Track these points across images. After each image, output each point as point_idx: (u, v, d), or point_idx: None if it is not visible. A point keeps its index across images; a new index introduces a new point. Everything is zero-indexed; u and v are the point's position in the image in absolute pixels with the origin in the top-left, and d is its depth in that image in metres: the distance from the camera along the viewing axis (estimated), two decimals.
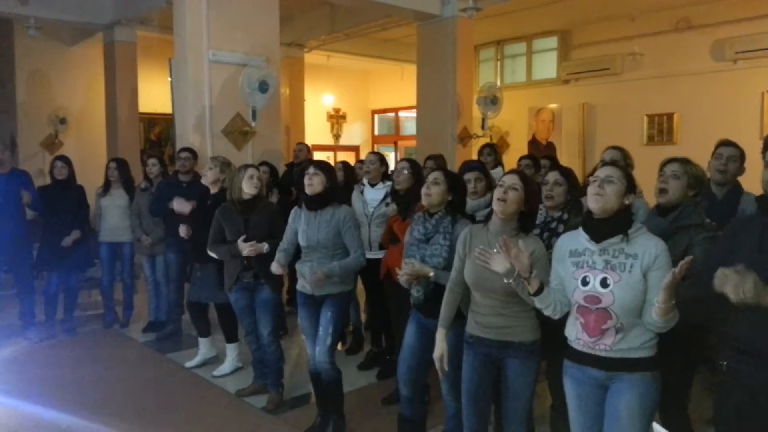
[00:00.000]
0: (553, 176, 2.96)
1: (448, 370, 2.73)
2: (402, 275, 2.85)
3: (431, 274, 2.82)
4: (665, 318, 2.05)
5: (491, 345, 2.56)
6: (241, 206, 3.77)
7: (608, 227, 2.18)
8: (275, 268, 3.45)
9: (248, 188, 3.74)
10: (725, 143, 3.48)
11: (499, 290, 2.46)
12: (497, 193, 2.49)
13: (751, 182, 3.05)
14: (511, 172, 2.66)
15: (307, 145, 6.45)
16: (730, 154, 3.43)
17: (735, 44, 7.28)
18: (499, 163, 5.66)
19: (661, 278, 2.04)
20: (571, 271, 2.25)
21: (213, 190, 4.26)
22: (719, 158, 3.44)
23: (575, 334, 2.26)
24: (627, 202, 2.20)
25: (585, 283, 2.19)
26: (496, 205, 2.50)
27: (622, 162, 3.37)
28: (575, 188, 3.01)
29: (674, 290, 1.99)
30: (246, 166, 3.85)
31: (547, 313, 2.34)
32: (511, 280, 2.32)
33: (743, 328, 2.14)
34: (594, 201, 2.20)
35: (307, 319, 3.45)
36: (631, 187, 2.23)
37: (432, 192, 2.88)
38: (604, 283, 2.15)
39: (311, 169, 3.33)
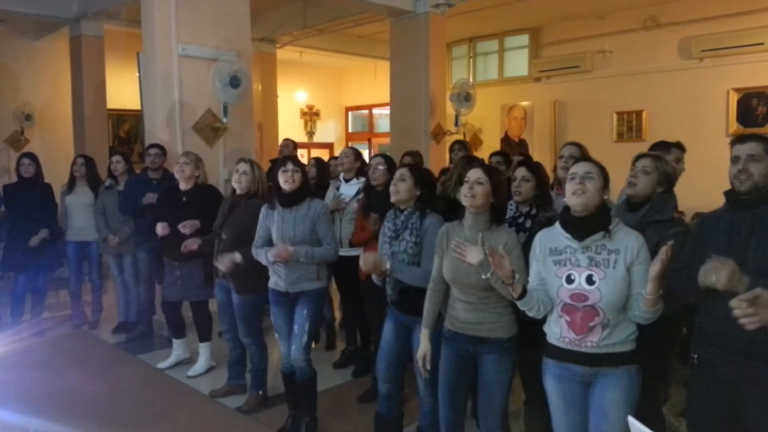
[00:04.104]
0: (521, 172, 2.97)
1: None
2: (363, 268, 2.89)
3: (387, 266, 2.85)
4: (654, 309, 2.08)
5: (467, 341, 2.57)
6: (231, 201, 3.73)
7: (590, 224, 2.17)
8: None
9: (234, 183, 3.71)
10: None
11: (475, 285, 2.48)
12: (464, 189, 2.52)
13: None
14: (476, 166, 2.66)
15: (293, 141, 6.25)
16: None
17: (701, 42, 7.42)
18: None
19: (644, 272, 2.08)
20: (554, 269, 2.22)
21: (186, 186, 4.18)
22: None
23: (559, 332, 2.23)
24: (605, 197, 2.21)
25: (570, 281, 2.16)
26: (464, 201, 2.52)
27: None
28: (543, 183, 3.04)
29: (662, 280, 2.01)
30: (238, 160, 3.79)
31: (531, 314, 2.32)
32: (489, 275, 2.33)
33: (713, 322, 2.18)
34: (576, 198, 2.17)
35: (281, 317, 3.41)
36: (607, 182, 2.23)
37: (400, 188, 2.93)
38: (589, 280, 2.13)
39: (290, 166, 3.29)
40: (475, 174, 2.52)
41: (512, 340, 2.55)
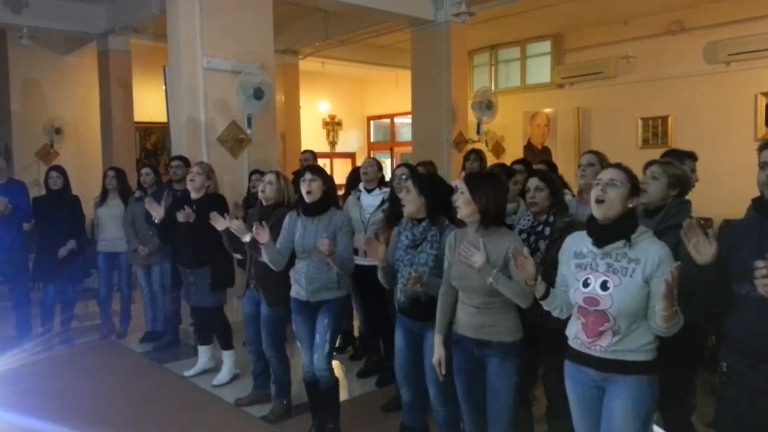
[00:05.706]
0: (533, 182, 2.98)
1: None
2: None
3: (424, 278, 2.84)
4: (668, 324, 2.05)
5: (472, 344, 2.61)
6: (260, 213, 3.77)
7: (611, 232, 2.17)
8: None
9: (260, 193, 3.75)
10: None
11: (479, 289, 2.53)
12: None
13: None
14: (463, 177, 2.73)
15: (313, 153, 6.23)
16: None
17: (727, 46, 7.31)
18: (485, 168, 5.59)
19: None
20: (574, 272, 2.26)
21: (197, 195, 4.26)
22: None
23: (575, 333, 2.27)
24: (631, 205, 2.18)
25: (586, 284, 2.19)
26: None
27: (599, 166, 3.35)
28: (557, 191, 3.04)
29: (673, 297, 1.98)
30: (267, 172, 3.86)
31: (555, 314, 2.37)
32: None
33: (742, 329, 2.14)
34: (596, 206, 2.19)
35: (303, 326, 3.43)
36: (635, 190, 2.22)
37: (405, 201, 2.93)
38: (604, 286, 2.15)
39: (308, 175, 3.32)
40: (459, 185, 2.60)
41: (515, 344, 2.56)
